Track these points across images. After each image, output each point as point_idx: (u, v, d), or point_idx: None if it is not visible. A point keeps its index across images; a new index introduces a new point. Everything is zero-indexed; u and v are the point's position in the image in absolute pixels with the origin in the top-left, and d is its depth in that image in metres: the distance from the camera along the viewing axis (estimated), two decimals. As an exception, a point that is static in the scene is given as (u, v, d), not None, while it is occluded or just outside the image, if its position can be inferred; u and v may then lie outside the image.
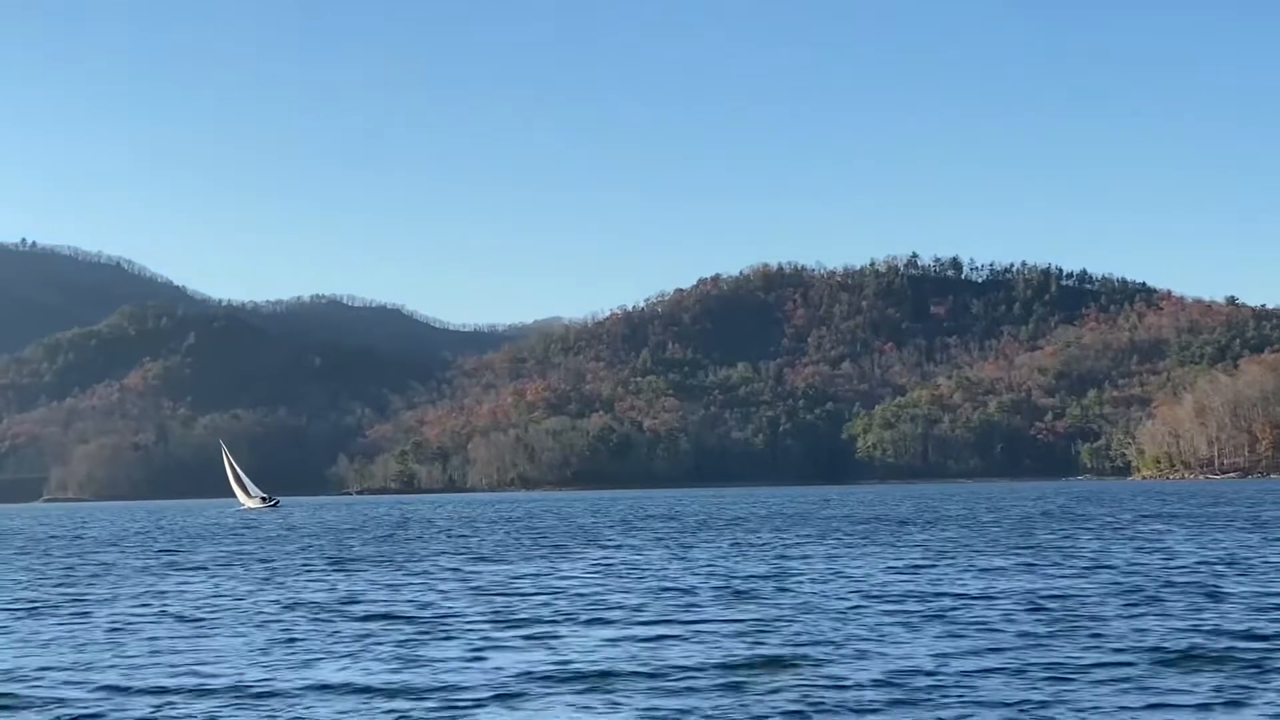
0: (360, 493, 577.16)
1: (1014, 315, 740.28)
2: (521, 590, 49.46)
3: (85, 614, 44.79)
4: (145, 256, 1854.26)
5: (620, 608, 41.86)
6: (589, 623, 38.24)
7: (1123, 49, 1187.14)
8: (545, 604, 43.77)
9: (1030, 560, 58.98)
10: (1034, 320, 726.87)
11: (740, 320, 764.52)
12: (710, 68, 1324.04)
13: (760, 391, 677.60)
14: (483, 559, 70.00)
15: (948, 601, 41.63)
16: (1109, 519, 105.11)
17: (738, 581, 50.50)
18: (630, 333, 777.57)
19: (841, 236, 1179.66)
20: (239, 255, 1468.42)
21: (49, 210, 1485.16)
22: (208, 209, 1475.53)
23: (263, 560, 73.98)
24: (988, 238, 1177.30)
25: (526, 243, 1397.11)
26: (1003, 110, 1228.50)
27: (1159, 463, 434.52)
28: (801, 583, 49.39)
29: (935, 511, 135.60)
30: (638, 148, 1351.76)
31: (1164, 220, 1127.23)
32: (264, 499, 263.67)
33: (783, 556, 65.24)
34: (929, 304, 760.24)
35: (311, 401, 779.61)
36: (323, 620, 40.66)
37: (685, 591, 46.82)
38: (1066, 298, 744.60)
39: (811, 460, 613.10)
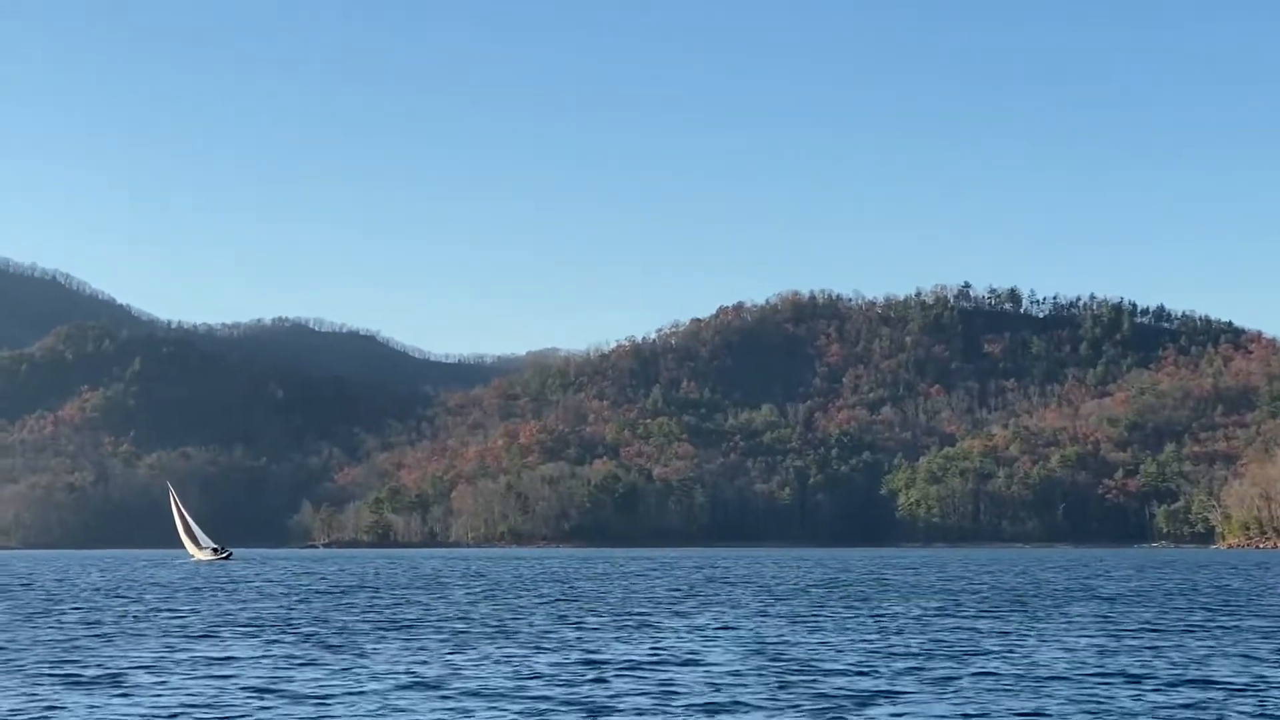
0: (328, 545, 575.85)
1: (1080, 356, 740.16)
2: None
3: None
4: (84, 271, 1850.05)
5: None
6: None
7: (1204, 68, 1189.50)
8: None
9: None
10: (1103, 362, 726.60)
11: (766, 356, 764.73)
12: (737, 79, 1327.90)
13: (787, 438, 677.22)
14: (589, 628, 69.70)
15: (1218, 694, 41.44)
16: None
17: (964, 667, 50.05)
18: (639, 367, 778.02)
19: (883, 262, 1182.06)
20: (190, 271, 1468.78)
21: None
22: (155, 219, 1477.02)
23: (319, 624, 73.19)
24: (1051, 267, 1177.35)
25: (520, 263, 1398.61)
26: (1067, 128, 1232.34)
27: (1247, 528, 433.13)
28: (1048, 677, 47.57)
29: (1047, 582, 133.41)
30: (647, 161, 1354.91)
31: (1253, 251, 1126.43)
32: (215, 550, 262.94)
33: (965, 636, 64.22)
34: (982, 341, 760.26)
35: (272, 439, 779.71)
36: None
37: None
38: (1141, 337, 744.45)
39: (845, 518, 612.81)
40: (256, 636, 65.99)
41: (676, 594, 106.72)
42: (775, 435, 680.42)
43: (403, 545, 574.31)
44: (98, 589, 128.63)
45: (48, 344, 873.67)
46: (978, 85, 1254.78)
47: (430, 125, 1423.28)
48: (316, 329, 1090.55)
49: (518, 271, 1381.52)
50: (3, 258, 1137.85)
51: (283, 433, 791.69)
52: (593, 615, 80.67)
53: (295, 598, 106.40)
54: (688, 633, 65.83)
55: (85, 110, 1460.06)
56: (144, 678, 47.98)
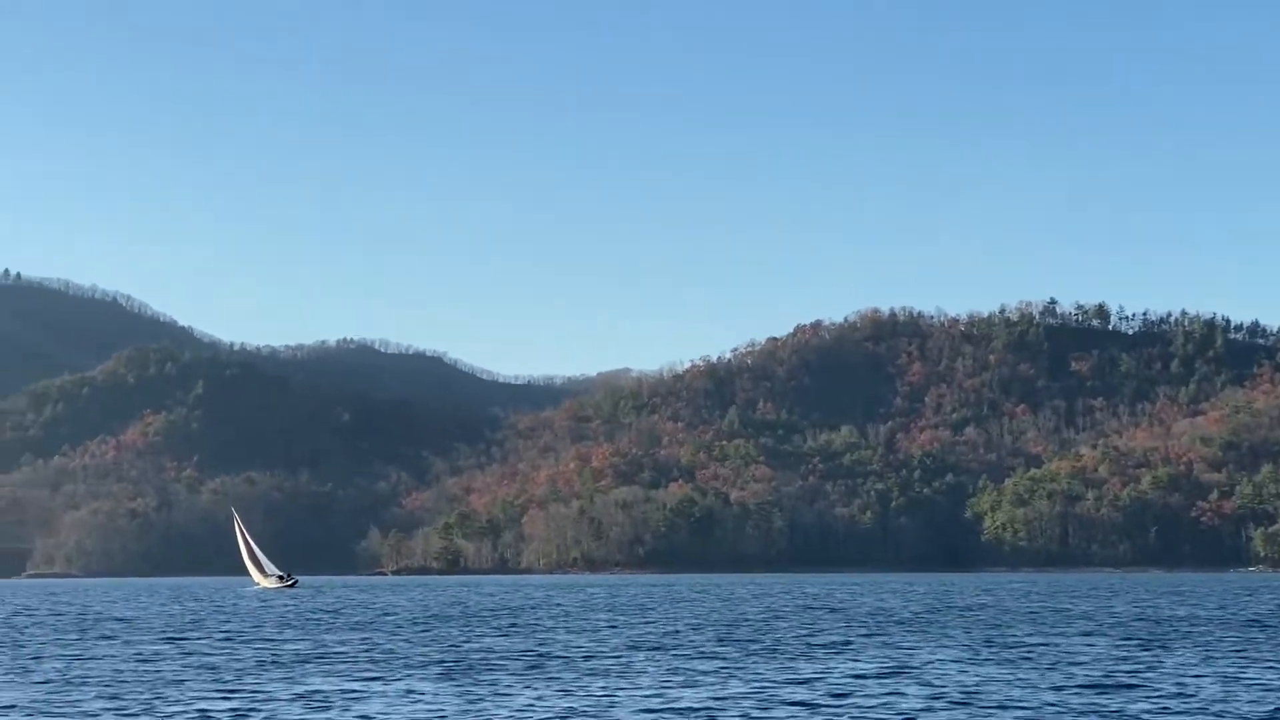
0: (396, 572, 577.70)
1: (1171, 374, 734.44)
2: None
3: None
4: (146, 293, 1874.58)
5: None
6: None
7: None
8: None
9: None
10: (1195, 380, 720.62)
11: (845, 375, 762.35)
12: (812, 89, 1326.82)
13: (868, 460, 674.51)
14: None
15: None
16: None
17: None
18: (714, 388, 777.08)
19: (965, 278, 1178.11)
20: (254, 293, 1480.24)
21: (36, 239, 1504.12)
22: (218, 240, 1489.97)
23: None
24: (1140, 282, 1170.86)
25: (589, 282, 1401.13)
26: (1154, 134, 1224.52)
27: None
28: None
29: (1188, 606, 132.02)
30: (722, 173, 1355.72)
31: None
32: (281, 577, 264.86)
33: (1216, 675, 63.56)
34: (1069, 359, 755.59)
35: (338, 464, 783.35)
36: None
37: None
38: (1235, 353, 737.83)
39: (928, 542, 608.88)
40: (455, 671, 66.01)
41: (865, 622, 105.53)
42: (855, 457, 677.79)
43: (473, 572, 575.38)
44: (225, 621, 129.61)
45: (109, 367, 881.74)
46: (1059, 96, 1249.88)
47: (498, 144, 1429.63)
48: (382, 350, 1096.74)
49: (587, 291, 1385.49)
50: (63, 280, 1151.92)
51: (349, 457, 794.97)
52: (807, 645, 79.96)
53: (440, 627, 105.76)
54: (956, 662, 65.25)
55: (148, 134, 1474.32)
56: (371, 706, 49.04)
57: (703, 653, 75.61)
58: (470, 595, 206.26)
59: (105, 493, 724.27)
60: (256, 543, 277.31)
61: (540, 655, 74.72)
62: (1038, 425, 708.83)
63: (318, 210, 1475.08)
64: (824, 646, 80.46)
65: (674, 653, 75.72)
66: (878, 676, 61.62)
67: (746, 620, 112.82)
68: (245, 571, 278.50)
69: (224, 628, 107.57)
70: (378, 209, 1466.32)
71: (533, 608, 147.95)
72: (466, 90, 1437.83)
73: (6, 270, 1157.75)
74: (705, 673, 63.11)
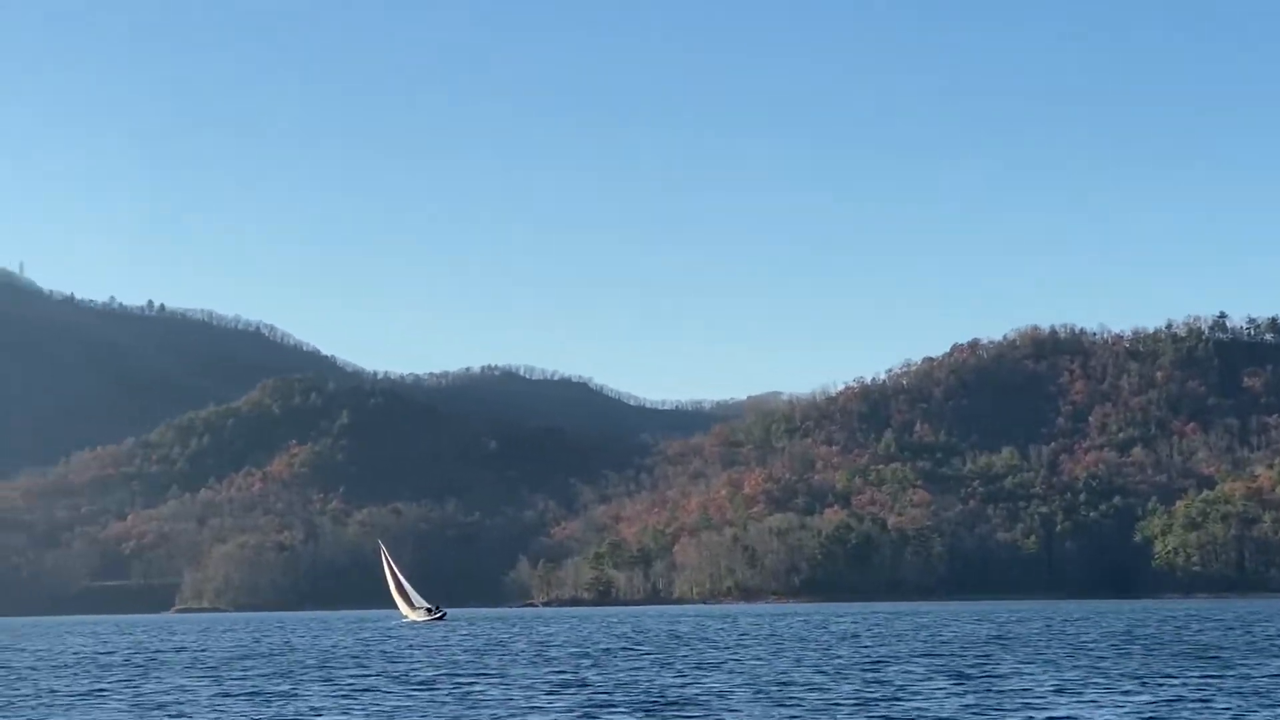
0: (546, 604, 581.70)
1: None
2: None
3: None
4: (289, 322, 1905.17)
5: None
6: None
7: None
8: None
9: None
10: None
11: (1004, 395, 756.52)
12: (960, 107, 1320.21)
13: (1030, 483, 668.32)
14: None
15: None
16: None
17: None
18: (869, 411, 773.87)
19: (1129, 293, 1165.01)
20: (397, 321, 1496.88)
21: (179, 271, 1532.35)
22: (361, 268, 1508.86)
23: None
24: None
25: (737, 304, 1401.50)
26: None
27: None
28: None
29: None
30: (873, 193, 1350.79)
31: None
32: (429, 610, 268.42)
33: None
34: (1241, 375, 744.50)
35: (485, 493, 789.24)
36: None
37: None
38: None
39: (1095, 568, 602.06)
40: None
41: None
42: (1017, 480, 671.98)
43: (625, 603, 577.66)
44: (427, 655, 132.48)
45: (254, 398, 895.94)
46: (1216, 110, 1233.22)
47: (633, 170, 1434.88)
48: (528, 377, 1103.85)
49: (736, 314, 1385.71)
50: (206, 310, 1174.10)
51: (496, 486, 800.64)
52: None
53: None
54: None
55: (291, 169, 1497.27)
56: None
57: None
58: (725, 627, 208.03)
59: (252, 526, 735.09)
60: (404, 574, 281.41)
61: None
62: (1209, 444, 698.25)
63: (460, 238, 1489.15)
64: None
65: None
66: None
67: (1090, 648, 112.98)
68: (393, 604, 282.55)
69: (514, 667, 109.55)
70: (522, 236, 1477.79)
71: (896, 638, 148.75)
72: (605, 118, 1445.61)
73: (150, 302, 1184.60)
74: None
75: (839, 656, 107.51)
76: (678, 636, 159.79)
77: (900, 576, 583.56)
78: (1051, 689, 75.68)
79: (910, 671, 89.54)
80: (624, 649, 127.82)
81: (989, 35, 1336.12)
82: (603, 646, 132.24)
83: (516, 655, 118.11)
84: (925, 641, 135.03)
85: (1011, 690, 75.20)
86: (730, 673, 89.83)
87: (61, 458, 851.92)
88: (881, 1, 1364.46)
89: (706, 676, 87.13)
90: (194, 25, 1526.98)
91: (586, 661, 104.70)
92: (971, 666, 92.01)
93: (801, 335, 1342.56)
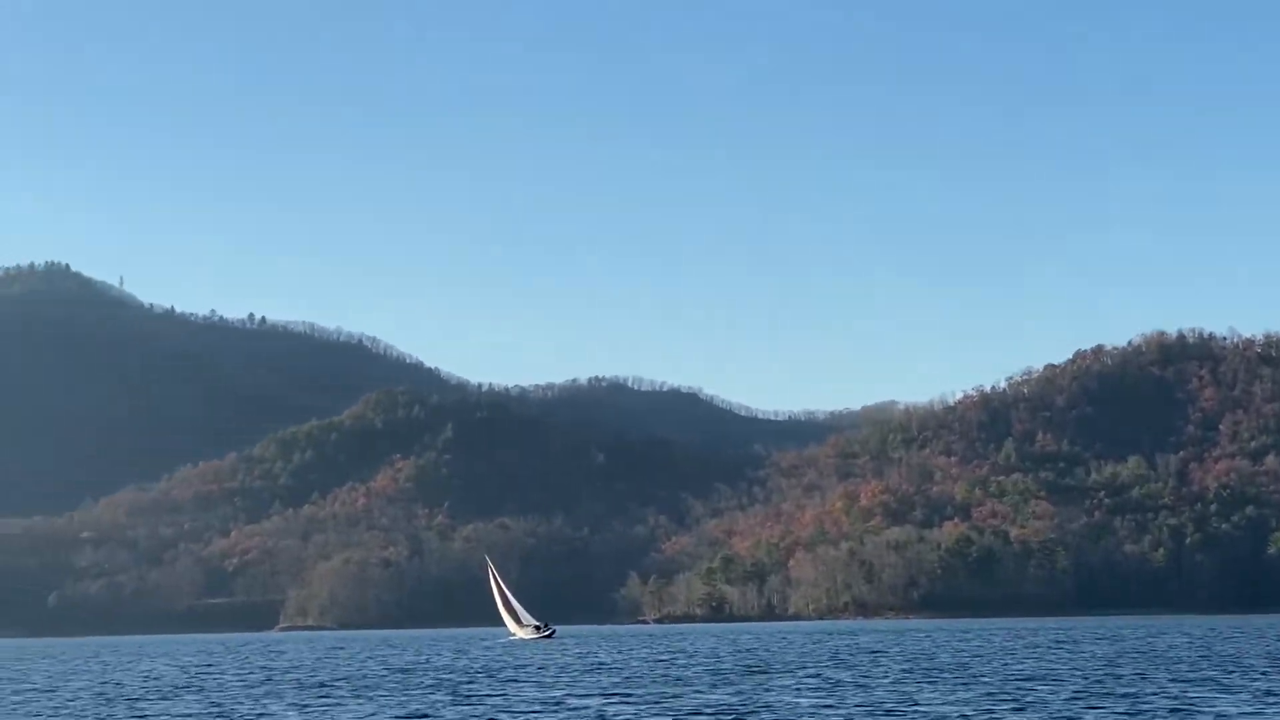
0: (659, 620, 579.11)
1: None
2: None
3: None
4: (391, 334, 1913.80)
5: None
6: None
7: None
8: None
9: None
10: None
11: (1130, 403, 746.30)
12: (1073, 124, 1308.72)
13: (1158, 494, 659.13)
14: None
15: None
16: None
17: None
18: (989, 420, 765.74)
19: (1260, 295, 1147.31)
20: (502, 332, 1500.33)
21: (279, 282, 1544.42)
22: (464, 279, 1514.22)
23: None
24: None
25: (848, 312, 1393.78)
26: None
27: None
28: None
29: None
30: (994, 193, 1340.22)
31: None
32: (537, 627, 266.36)
33: None
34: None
35: (594, 507, 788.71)
36: None
37: None
38: None
39: (1227, 581, 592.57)
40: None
41: None
42: (1145, 491, 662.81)
43: (739, 619, 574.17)
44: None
45: (357, 412, 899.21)
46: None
47: (742, 179, 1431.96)
48: (635, 388, 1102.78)
49: (847, 321, 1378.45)
50: (308, 323, 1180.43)
51: (604, 500, 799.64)
52: None
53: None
54: None
55: (387, 179, 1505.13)
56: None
57: None
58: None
59: (356, 542, 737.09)
60: (511, 591, 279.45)
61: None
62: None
63: (566, 247, 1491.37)
64: None
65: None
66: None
67: None
68: (500, 621, 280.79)
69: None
70: (628, 245, 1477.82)
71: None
72: (707, 125, 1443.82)
73: (251, 315, 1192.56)
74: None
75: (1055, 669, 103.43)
76: (879, 652, 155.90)
77: (1023, 591, 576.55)
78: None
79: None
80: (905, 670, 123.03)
81: (1122, 34, 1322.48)
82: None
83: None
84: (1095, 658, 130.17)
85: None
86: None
87: (164, 474, 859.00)
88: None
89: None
90: (301, 45, 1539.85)
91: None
92: (1166, 690, 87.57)
93: (918, 343, 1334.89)
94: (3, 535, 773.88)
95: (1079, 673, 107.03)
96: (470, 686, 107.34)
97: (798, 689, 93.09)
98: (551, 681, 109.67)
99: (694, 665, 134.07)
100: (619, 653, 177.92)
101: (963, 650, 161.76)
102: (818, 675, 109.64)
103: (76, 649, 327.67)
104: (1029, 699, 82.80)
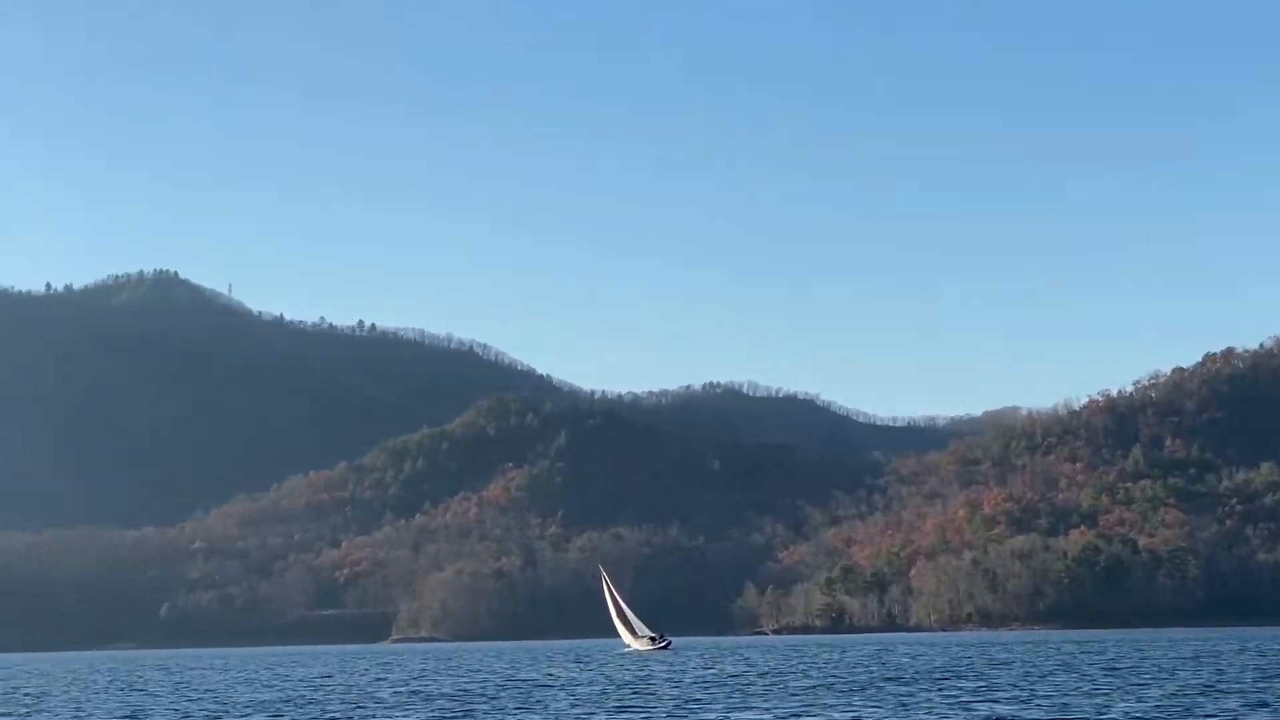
0: (777, 631, 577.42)
1: None
2: None
3: None
4: (502, 340, 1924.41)
5: None
6: None
7: None
8: None
9: None
10: None
11: (1263, 407, 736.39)
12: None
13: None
14: None
15: None
16: None
17: None
18: (1115, 425, 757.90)
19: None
20: (614, 338, 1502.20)
21: (389, 289, 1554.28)
22: (575, 284, 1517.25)
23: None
24: None
25: (971, 317, 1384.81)
26: None
27: None
28: None
29: None
30: (1121, 193, 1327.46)
31: None
32: (653, 638, 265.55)
33: None
34: None
35: (709, 516, 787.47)
36: None
37: None
38: None
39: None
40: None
41: None
42: (1278, 498, 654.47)
43: (859, 630, 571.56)
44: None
45: (468, 419, 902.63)
46: None
47: (867, 180, 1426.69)
48: (750, 394, 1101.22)
49: (966, 325, 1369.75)
50: (418, 329, 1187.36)
51: (720, 508, 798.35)
52: None
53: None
54: None
55: (499, 186, 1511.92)
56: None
57: None
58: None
59: (468, 552, 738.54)
60: (625, 601, 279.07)
61: None
62: None
63: (677, 252, 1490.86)
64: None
65: None
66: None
67: None
68: (614, 632, 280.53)
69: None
70: (742, 249, 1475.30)
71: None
72: (834, 120, 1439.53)
73: (360, 322, 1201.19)
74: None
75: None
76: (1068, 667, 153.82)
77: (1153, 601, 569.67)
78: None
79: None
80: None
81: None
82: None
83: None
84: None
85: None
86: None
87: (274, 483, 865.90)
88: None
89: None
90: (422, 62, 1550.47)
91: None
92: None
93: (1041, 347, 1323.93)
94: (114, 547, 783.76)
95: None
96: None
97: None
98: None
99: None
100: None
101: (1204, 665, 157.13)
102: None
103: (257, 658, 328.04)
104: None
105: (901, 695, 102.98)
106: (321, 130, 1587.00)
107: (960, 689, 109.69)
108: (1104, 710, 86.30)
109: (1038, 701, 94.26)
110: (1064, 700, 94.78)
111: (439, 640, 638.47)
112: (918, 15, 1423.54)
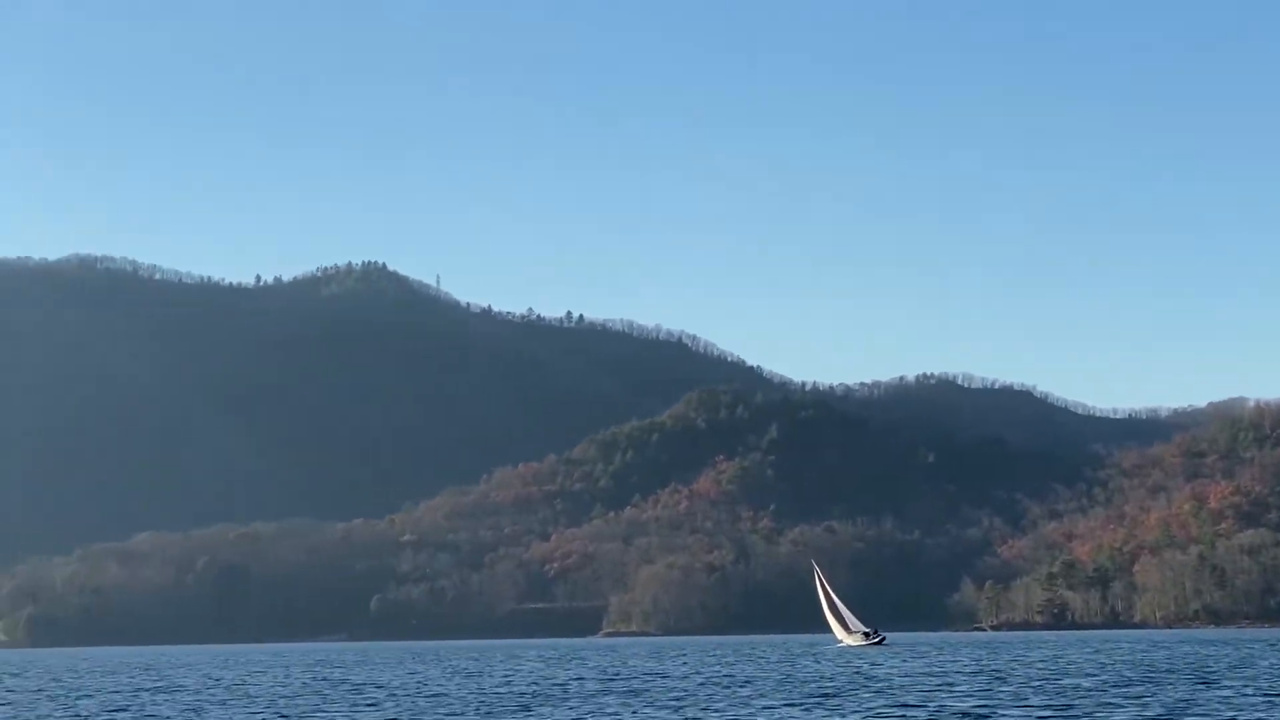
0: (995, 628, 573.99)
1: None
2: None
3: None
4: (712, 331, 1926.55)
5: None
6: None
7: None
8: None
9: None
10: None
11: None
12: None
13: None
14: None
15: None
16: None
17: None
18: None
19: None
20: (825, 328, 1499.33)
21: (598, 280, 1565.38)
22: (782, 275, 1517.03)
23: None
24: None
25: (1196, 303, 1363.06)
26: None
27: None
28: None
29: None
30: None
31: None
32: (867, 634, 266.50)
33: None
34: None
35: (924, 510, 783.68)
36: None
37: None
38: None
39: None
40: None
41: None
42: None
43: (1081, 626, 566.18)
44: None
45: (678, 411, 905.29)
46: None
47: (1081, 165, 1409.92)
48: (966, 385, 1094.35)
49: (1194, 313, 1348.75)
50: (626, 320, 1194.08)
51: (935, 502, 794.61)
52: None
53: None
54: None
55: (699, 177, 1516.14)
56: None
57: None
58: None
59: (680, 545, 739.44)
60: (839, 596, 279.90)
61: None
62: None
63: (883, 240, 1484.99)
64: None
65: None
66: None
67: None
68: (827, 628, 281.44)
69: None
70: (955, 237, 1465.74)
71: None
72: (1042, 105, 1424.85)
73: (569, 313, 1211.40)
74: None
75: None
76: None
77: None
78: None
79: None
80: None
81: None
82: None
83: None
84: None
85: None
86: None
87: (483, 475, 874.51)
88: None
89: None
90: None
91: None
92: None
93: (1269, 335, 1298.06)
94: (325, 540, 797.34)
95: None
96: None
97: None
98: None
99: None
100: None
101: None
102: None
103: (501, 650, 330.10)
104: None
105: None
106: (527, 124, 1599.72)
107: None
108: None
109: None
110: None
111: (650, 635, 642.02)
112: None
